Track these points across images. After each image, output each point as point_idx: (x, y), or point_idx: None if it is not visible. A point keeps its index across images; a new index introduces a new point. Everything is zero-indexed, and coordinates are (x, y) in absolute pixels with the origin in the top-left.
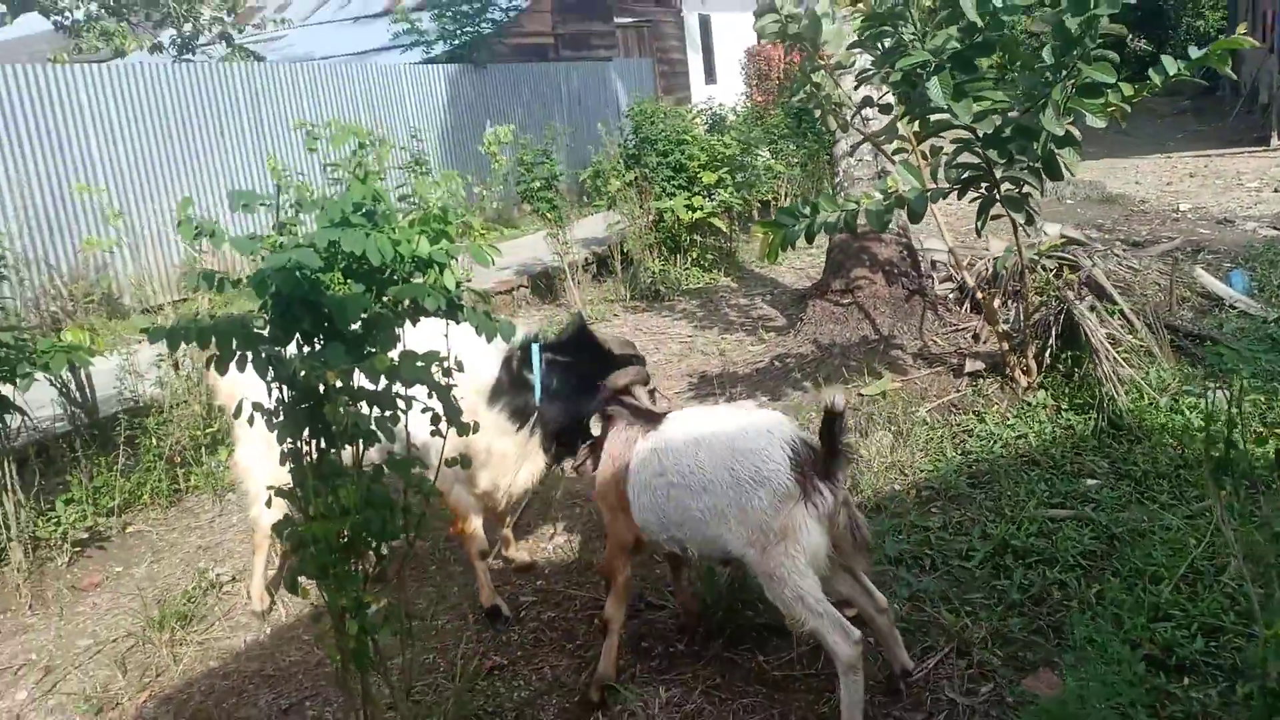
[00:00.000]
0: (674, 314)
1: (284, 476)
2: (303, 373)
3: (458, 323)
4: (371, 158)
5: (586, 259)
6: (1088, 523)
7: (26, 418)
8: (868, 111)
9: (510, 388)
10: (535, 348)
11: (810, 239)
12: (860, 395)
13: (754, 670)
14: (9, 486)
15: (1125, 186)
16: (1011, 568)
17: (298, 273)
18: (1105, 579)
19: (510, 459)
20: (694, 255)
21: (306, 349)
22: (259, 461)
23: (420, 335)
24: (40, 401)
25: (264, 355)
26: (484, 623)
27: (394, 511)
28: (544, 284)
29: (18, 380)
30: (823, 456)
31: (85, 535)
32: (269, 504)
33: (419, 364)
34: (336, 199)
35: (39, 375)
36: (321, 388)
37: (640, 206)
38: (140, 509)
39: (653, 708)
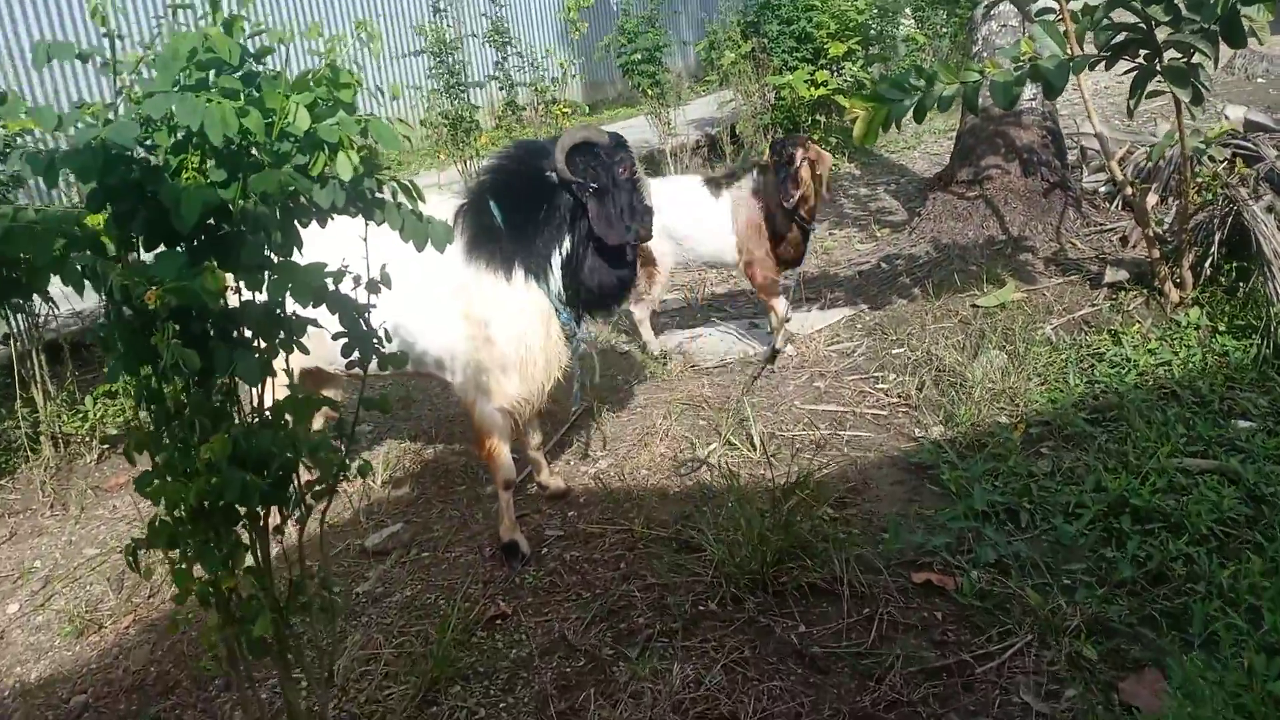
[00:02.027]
0: None
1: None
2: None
3: (376, 223)
4: None
5: (698, 141)
6: (1232, 479)
7: (55, 308)
8: None
9: (479, 236)
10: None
11: (920, 117)
12: (974, 306)
13: (791, 644)
14: (38, 379)
15: None
16: (1127, 533)
17: (129, 153)
18: (1245, 557)
19: (539, 350)
20: (815, 138)
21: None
22: None
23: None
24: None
25: (82, 267)
26: (500, 558)
27: (278, 468)
28: (648, 169)
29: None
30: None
31: (115, 432)
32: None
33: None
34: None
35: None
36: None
37: (756, 82)
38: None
39: (665, 687)
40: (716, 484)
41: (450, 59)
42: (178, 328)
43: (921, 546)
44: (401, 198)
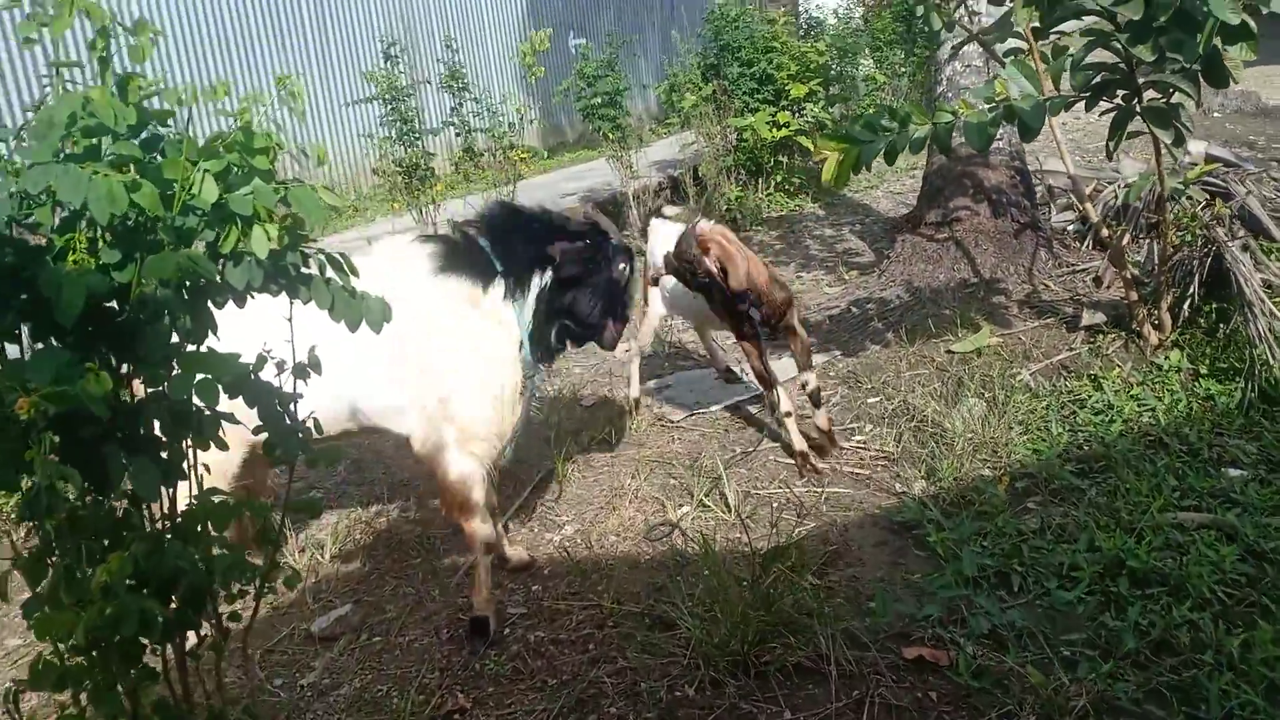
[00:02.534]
0: (750, 246)
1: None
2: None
3: (302, 301)
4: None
5: (660, 183)
6: (1229, 534)
7: None
8: (978, 3)
9: (469, 263)
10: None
11: (891, 159)
12: (950, 352)
13: None
14: None
15: None
16: (1126, 598)
17: (4, 234)
18: (1253, 622)
19: (512, 387)
20: (778, 179)
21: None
22: None
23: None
24: None
25: None
26: (461, 639)
27: (188, 591)
28: (610, 211)
29: None
30: None
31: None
32: None
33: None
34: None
35: None
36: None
37: (718, 124)
38: None
39: None
40: (691, 550)
41: (403, 106)
42: (58, 438)
43: (911, 618)
44: (331, 272)
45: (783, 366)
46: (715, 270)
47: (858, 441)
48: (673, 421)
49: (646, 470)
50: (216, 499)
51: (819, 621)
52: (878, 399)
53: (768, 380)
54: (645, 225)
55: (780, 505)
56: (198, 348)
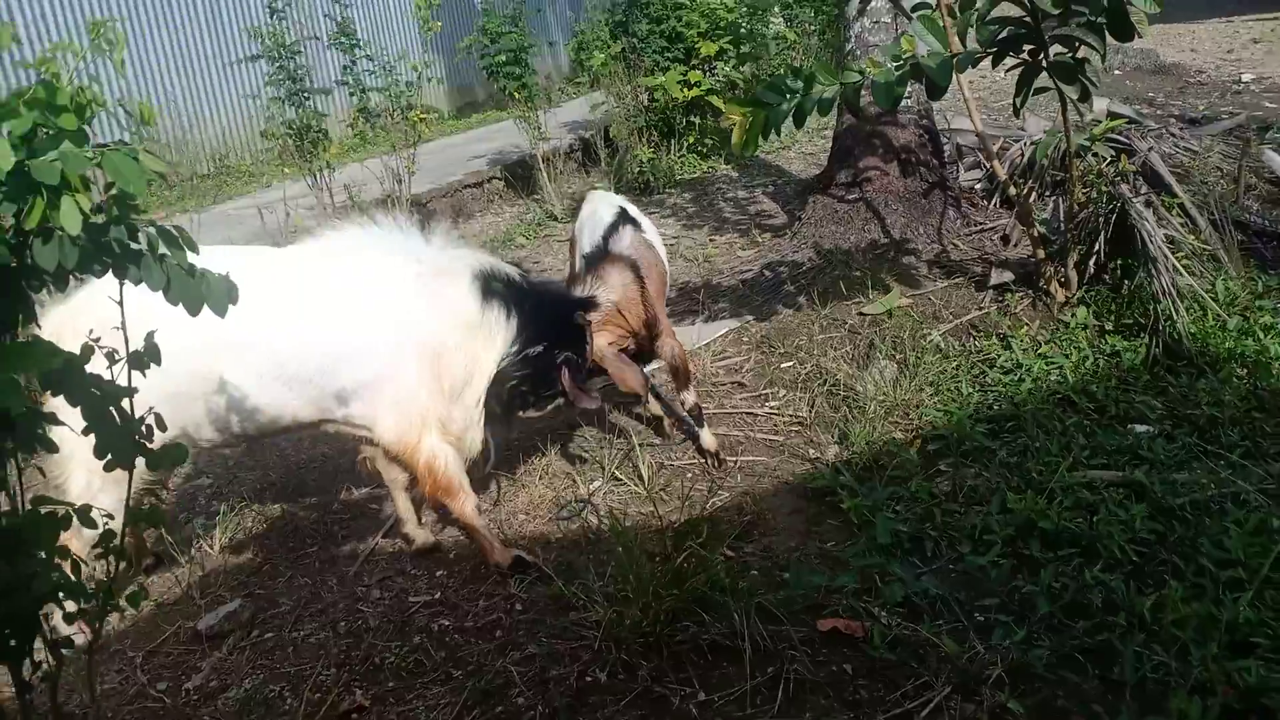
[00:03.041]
0: (662, 209)
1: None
2: None
3: (133, 282)
4: None
5: (572, 145)
6: (1137, 490)
7: None
8: None
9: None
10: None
11: (800, 122)
12: (861, 314)
13: (691, 715)
14: None
15: (1180, 55)
16: (1039, 560)
17: None
18: (1164, 580)
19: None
20: (690, 140)
21: None
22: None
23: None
24: None
25: None
26: (359, 632)
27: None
28: (521, 175)
29: None
30: None
31: None
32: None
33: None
34: None
35: None
36: None
37: (629, 84)
38: None
39: None
40: (602, 528)
41: (291, 64)
42: None
43: (826, 589)
44: (166, 248)
45: (699, 329)
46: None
47: (770, 407)
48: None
49: (556, 444)
50: (46, 509)
51: (733, 598)
52: (790, 363)
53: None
54: (556, 191)
55: (694, 477)
56: (7, 338)
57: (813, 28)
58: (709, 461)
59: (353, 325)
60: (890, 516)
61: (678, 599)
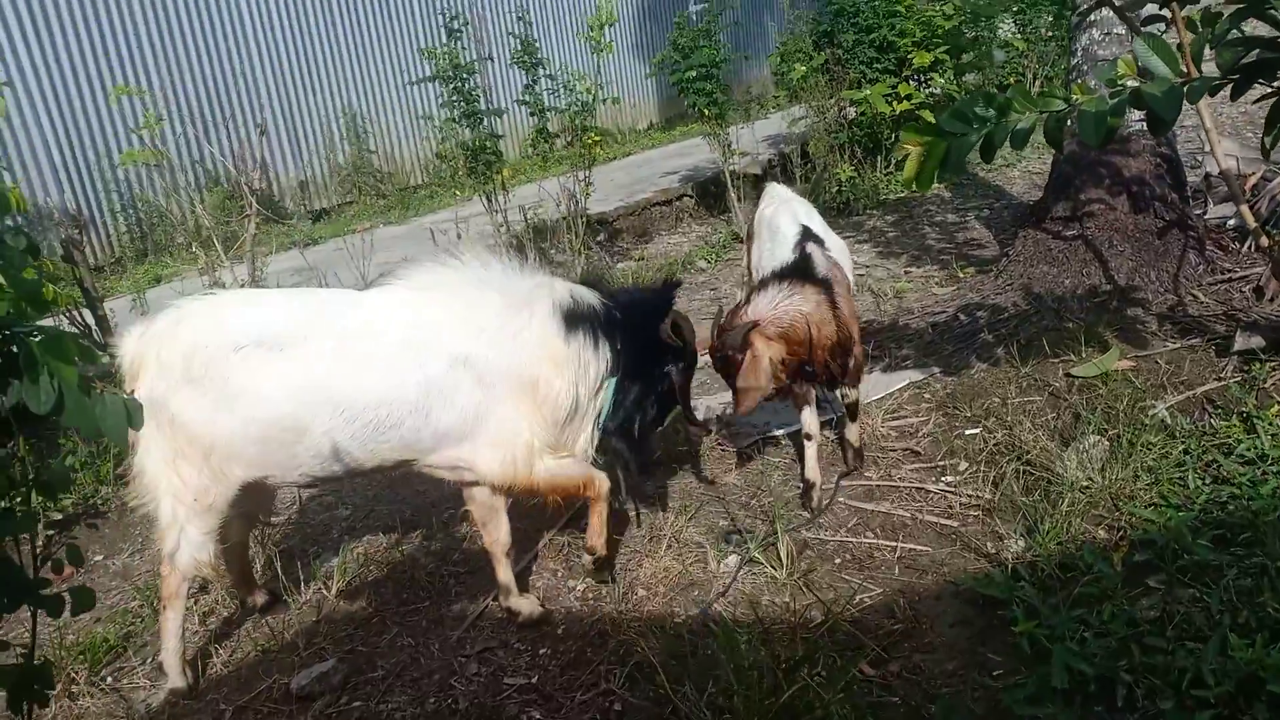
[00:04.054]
0: (858, 234)
1: (212, 493)
2: None
3: (13, 400)
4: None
5: (771, 161)
6: None
7: None
8: None
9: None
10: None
11: (988, 155)
12: (1070, 376)
13: None
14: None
15: None
16: None
17: None
18: None
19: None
20: (898, 157)
21: None
22: (168, 470)
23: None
24: None
25: None
26: (446, 712)
27: None
28: (713, 192)
29: None
30: None
31: (59, 516)
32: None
33: None
34: None
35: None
36: None
37: (830, 97)
38: None
39: None
40: (732, 614)
41: (466, 84)
42: None
43: None
44: (51, 361)
45: (874, 380)
46: (753, 389)
47: (947, 484)
48: (733, 447)
49: (695, 507)
50: None
51: None
52: (977, 431)
53: (800, 400)
54: (745, 212)
55: (843, 563)
56: None
57: (1050, 34)
58: (849, 454)
59: (438, 367)
60: (1073, 649)
61: None
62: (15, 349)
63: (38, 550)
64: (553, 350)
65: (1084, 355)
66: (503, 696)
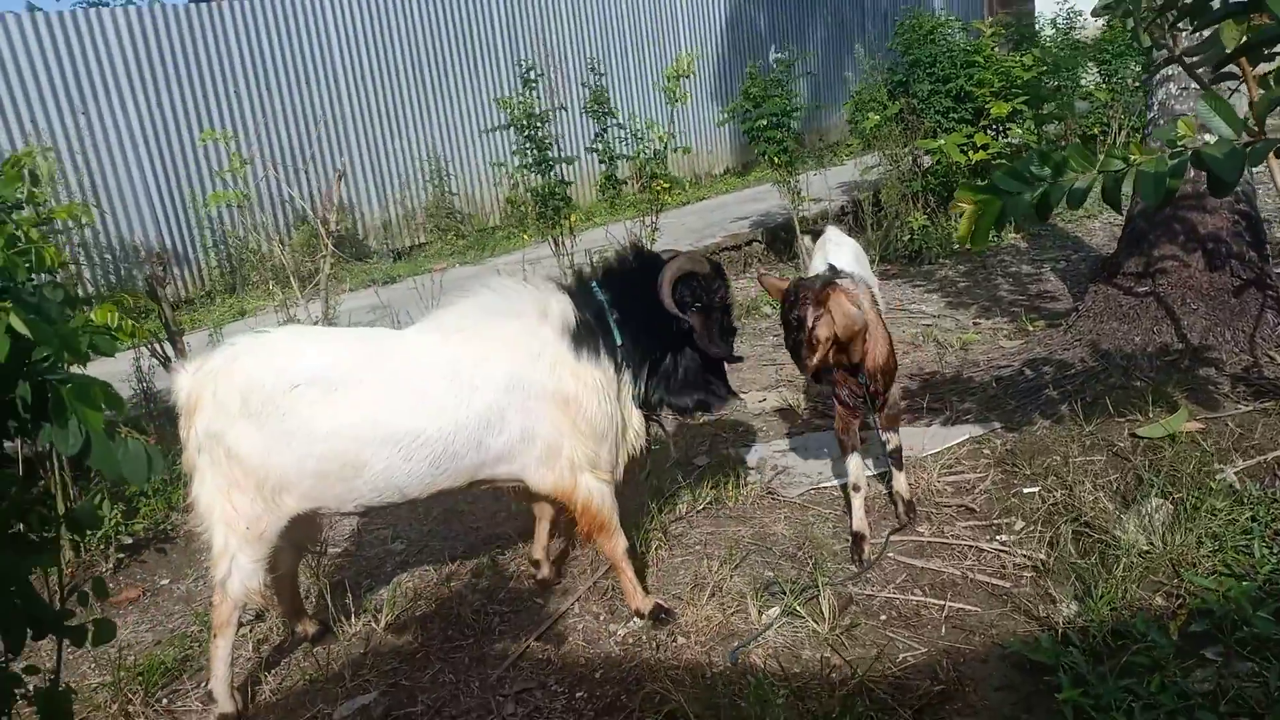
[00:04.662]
0: (928, 283)
1: (264, 521)
2: None
3: (44, 444)
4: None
5: (843, 207)
6: None
7: None
8: None
9: (588, 333)
10: (594, 285)
11: (1043, 214)
12: (1135, 436)
13: None
14: (57, 479)
15: None
16: None
17: None
18: None
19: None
20: (955, 213)
21: None
22: (221, 499)
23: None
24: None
25: None
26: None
27: None
28: (783, 238)
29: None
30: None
31: (129, 540)
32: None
33: None
34: None
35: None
36: None
37: (904, 146)
38: None
39: None
40: (769, 669)
41: (539, 132)
42: None
43: None
44: (79, 407)
45: (932, 433)
46: (822, 342)
47: (1001, 543)
48: (784, 496)
49: (740, 556)
50: None
51: None
52: (1036, 489)
53: (845, 445)
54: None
55: (889, 619)
56: None
57: (1136, 84)
58: (900, 508)
59: (486, 398)
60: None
61: None
62: (49, 395)
63: (69, 579)
64: (573, 367)
65: (1151, 415)
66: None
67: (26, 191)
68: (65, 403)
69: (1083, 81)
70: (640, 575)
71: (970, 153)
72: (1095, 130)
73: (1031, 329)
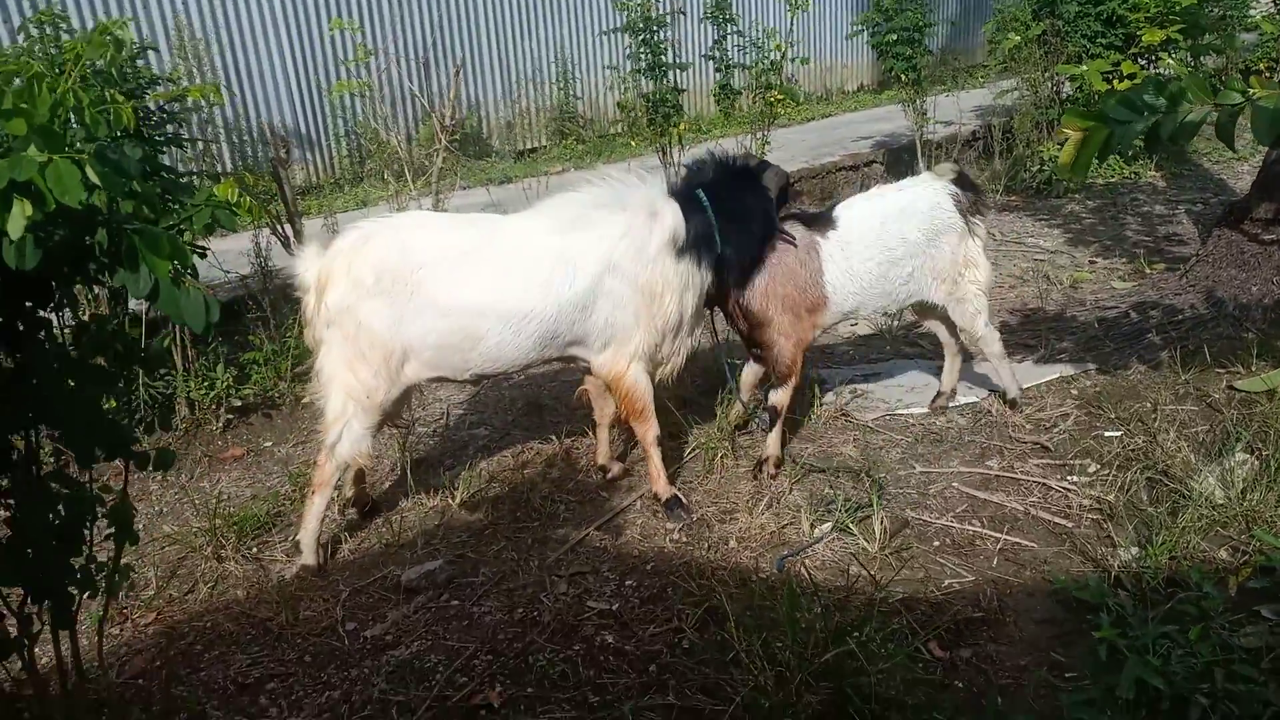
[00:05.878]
0: (1052, 218)
1: (382, 391)
2: None
3: (117, 287)
4: None
5: (975, 132)
6: None
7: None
8: None
9: (697, 238)
10: (700, 191)
11: (1152, 146)
12: (1231, 389)
13: None
14: (178, 342)
15: None
16: None
17: None
18: None
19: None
20: (1059, 139)
21: None
22: (344, 370)
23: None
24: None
25: None
26: (529, 622)
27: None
28: (906, 161)
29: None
30: (971, 199)
31: (239, 403)
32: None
33: None
34: None
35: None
36: None
37: (1044, 71)
38: None
39: None
40: (815, 580)
41: (655, 36)
42: None
43: None
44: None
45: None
46: None
47: (1070, 483)
48: (857, 420)
49: (802, 472)
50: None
51: (896, 713)
52: (1118, 433)
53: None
54: None
55: (941, 546)
56: None
57: None
58: (756, 468)
59: (587, 282)
60: (1150, 662)
61: (829, 693)
62: (123, 242)
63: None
64: (671, 266)
65: (1254, 369)
66: (583, 617)
67: (110, 55)
68: (137, 249)
69: (1251, 10)
70: (679, 479)
71: (1115, 81)
72: (1261, 65)
73: (1149, 271)
